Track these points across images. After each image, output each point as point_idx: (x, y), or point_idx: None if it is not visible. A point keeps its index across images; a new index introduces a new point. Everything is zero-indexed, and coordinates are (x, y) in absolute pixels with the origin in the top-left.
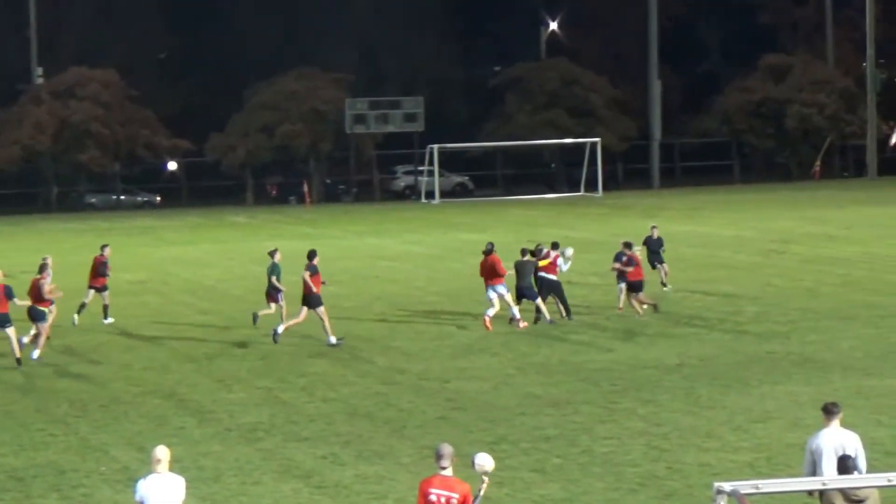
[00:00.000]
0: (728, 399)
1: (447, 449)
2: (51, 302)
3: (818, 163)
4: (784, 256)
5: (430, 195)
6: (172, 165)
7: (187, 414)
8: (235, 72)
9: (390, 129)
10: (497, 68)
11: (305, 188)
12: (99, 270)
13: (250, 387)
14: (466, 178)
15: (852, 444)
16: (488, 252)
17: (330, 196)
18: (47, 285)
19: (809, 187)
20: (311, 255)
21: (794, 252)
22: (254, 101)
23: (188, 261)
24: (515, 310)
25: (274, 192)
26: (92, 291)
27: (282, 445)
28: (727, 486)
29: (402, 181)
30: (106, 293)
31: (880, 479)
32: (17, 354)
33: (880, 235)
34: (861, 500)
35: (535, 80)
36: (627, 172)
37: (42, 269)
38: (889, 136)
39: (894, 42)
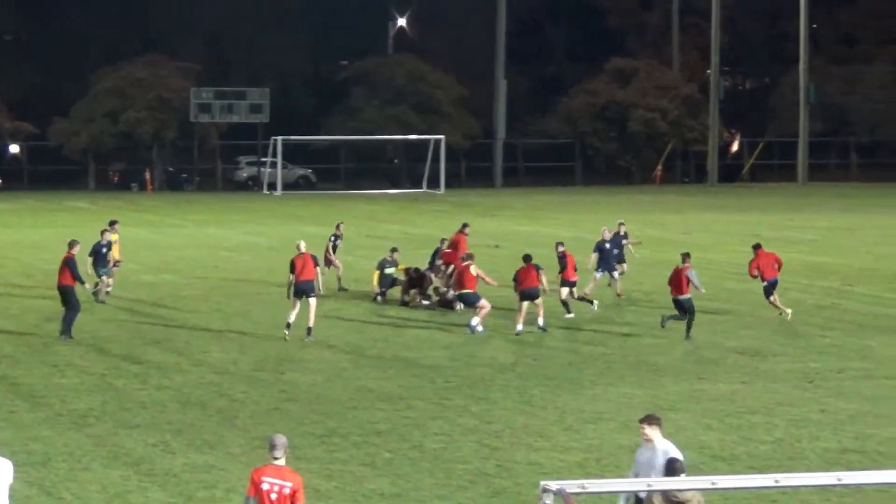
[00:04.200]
0: (560, 399)
1: (281, 439)
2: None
3: (659, 167)
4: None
5: (272, 187)
6: (14, 148)
7: (18, 398)
8: (82, 56)
9: (235, 119)
10: (344, 62)
11: (147, 175)
12: None
13: (83, 372)
14: (310, 170)
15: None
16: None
17: (172, 184)
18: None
19: (650, 191)
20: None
21: (634, 255)
22: (99, 87)
23: (27, 245)
24: None
25: (116, 178)
26: None
27: (112, 432)
28: (553, 484)
29: (245, 172)
30: None
31: (704, 481)
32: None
33: (718, 241)
34: (682, 502)
35: (382, 75)
36: (470, 170)
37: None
38: (730, 144)
39: (738, 50)
